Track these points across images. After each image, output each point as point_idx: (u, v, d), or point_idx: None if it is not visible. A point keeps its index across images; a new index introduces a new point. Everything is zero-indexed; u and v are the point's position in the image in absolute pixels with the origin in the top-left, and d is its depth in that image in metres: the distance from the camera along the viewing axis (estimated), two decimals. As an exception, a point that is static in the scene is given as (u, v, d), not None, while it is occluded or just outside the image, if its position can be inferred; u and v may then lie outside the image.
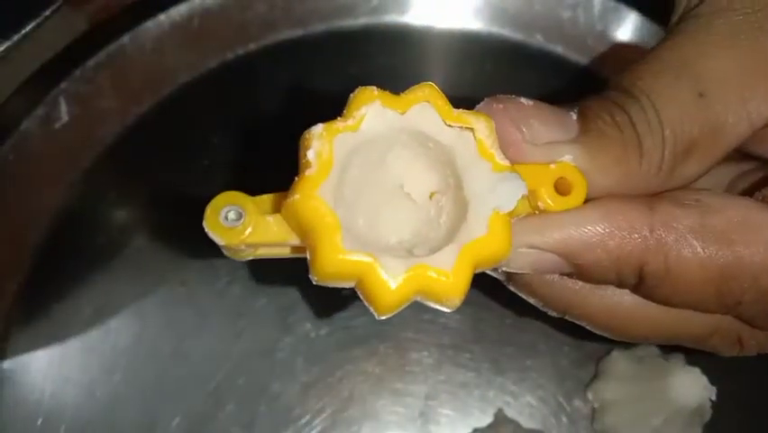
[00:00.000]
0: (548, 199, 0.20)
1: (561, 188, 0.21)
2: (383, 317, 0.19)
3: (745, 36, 0.21)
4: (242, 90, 0.39)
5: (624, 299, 0.23)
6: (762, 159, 0.24)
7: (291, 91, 0.39)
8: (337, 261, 0.18)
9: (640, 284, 0.21)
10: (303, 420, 0.34)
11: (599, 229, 0.20)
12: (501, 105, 0.21)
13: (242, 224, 0.19)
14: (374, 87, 0.19)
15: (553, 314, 0.24)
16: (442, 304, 0.19)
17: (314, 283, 0.19)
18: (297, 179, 0.19)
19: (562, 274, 0.22)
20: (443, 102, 0.20)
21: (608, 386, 0.35)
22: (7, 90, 0.36)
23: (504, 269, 0.22)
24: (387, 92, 0.20)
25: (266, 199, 0.20)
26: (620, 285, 0.22)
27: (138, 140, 0.38)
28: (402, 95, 0.20)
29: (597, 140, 0.21)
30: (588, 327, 0.24)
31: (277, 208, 0.19)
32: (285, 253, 0.20)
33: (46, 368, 0.35)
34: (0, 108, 0.36)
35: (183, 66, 0.39)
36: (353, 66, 0.39)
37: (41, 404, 0.34)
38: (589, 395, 0.35)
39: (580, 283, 0.23)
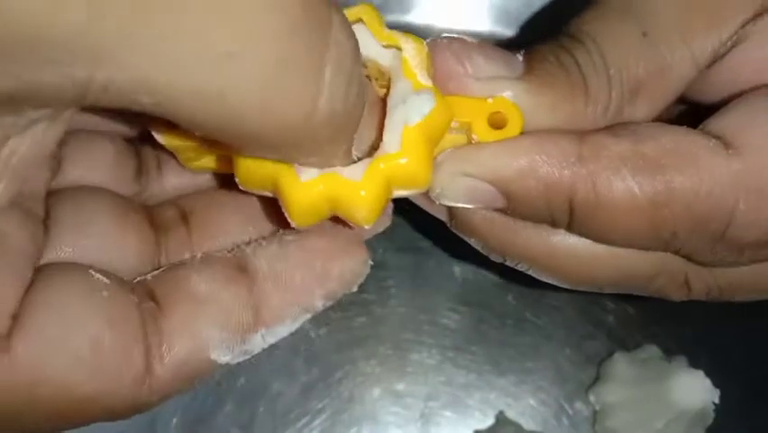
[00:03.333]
0: (482, 131, 0.21)
1: (497, 122, 0.21)
2: (300, 226, 0.20)
3: None
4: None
5: (565, 240, 0.22)
6: (707, 105, 0.24)
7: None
8: (255, 160, 0.18)
9: (572, 218, 0.21)
10: (302, 421, 0.34)
11: (530, 157, 0.20)
12: (445, 41, 0.21)
13: None
14: None
15: (495, 258, 0.24)
16: (353, 218, 0.19)
17: (240, 188, 0.20)
18: None
19: (497, 210, 0.22)
20: (376, 22, 0.20)
21: (610, 388, 0.34)
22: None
23: (440, 201, 0.22)
24: None
25: None
26: (554, 222, 0.22)
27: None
28: None
29: (542, 79, 0.21)
30: (530, 273, 0.24)
31: None
32: (227, 165, 0.21)
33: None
34: None
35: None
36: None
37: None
38: (591, 397, 0.35)
39: (521, 223, 0.22)
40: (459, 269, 0.36)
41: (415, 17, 0.40)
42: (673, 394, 0.33)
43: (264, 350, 0.35)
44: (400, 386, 0.35)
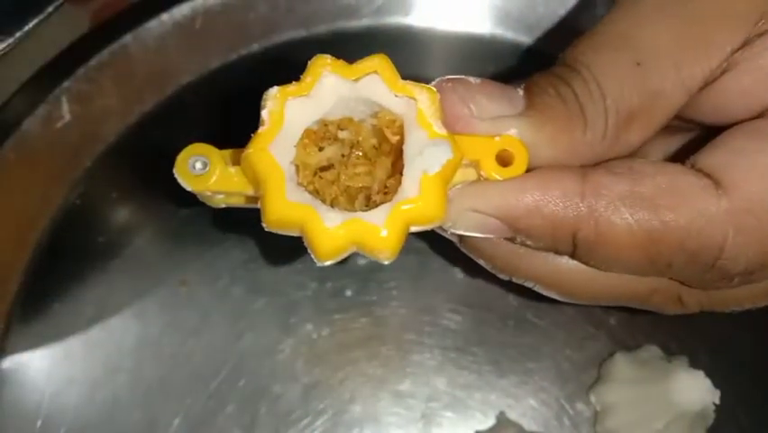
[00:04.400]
0: (490, 169, 0.22)
1: (504, 160, 0.22)
2: (324, 264, 0.21)
3: (675, 5, 0.23)
4: (244, 91, 0.39)
5: (568, 264, 0.24)
6: (698, 124, 0.25)
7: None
8: (282, 206, 0.20)
9: (575, 251, 0.23)
10: (304, 422, 0.34)
11: (535, 196, 0.22)
12: (450, 84, 0.22)
13: (208, 172, 0.21)
14: (328, 56, 0.21)
15: (502, 277, 0.26)
16: (375, 255, 0.21)
17: (265, 230, 0.21)
18: (252, 135, 0.21)
19: (506, 239, 0.23)
20: (391, 73, 0.21)
21: (611, 389, 0.35)
22: (9, 89, 0.35)
23: (452, 231, 0.23)
24: (340, 61, 0.21)
25: (231, 153, 0.22)
26: (558, 252, 0.23)
27: (140, 140, 0.38)
28: (353, 64, 0.21)
29: (542, 113, 0.22)
30: (536, 289, 0.26)
31: (239, 161, 0.21)
32: (252, 203, 0.22)
33: (46, 369, 0.35)
34: (1, 107, 0.35)
35: (185, 66, 0.39)
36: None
37: (41, 405, 0.34)
38: (592, 398, 0.35)
39: (526, 248, 0.24)
40: (460, 270, 0.36)
41: (415, 20, 0.40)
42: (674, 395, 0.33)
43: (265, 351, 0.35)
44: (402, 387, 0.35)
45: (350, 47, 0.40)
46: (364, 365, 0.35)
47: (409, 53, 0.40)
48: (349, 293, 0.36)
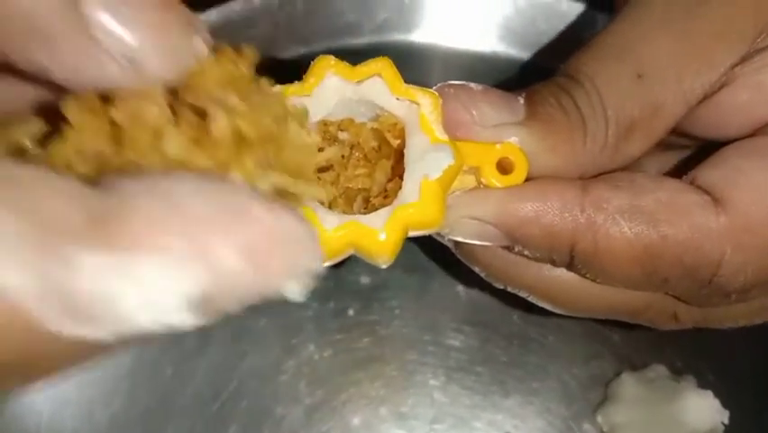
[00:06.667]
0: (490, 177, 0.22)
1: (504, 167, 0.22)
2: (321, 266, 0.21)
3: (678, 19, 0.23)
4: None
5: (562, 275, 0.24)
6: (694, 138, 0.25)
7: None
8: None
9: (572, 262, 0.23)
10: (306, 445, 0.34)
11: (534, 206, 0.22)
12: (452, 90, 0.22)
13: None
14: (332, 57, 0.21)
15: (497, 285, 0.26)
16: (372, 259, 0.21)
17: None
18: None
19: (503, 247, 0.23)
20: (394, 76, 0.21)
21: (618, 409, 0.34)
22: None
23: (450, 237, 0.23)
24: (343, 63, 0.21)
25: None
26: (554, 263, 0.23)
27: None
28: (357, 67, 0.21)
29: (543, 122, 0.22)
30: (530, 300, 0.26)
31: None
32: None
33: (44, 389, 0.34)
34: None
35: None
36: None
37: (40, 427, 0.34)
38: (599, 418, 0.34)
39: (522, 257, 0.24)
40: (463, 289, 0.36)
41: (417, 37, 0.40)
42: (683, 415, 0.33)
43: (267, 372, 0.34)
44: (405, 408, 0.34)
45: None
46: (367, 386, 0.34)
47: (411, 70, 0.40)
48: (351, 313, 0.36)
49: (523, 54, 0.40)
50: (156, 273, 0.12)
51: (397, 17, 0.40)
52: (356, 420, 0.34)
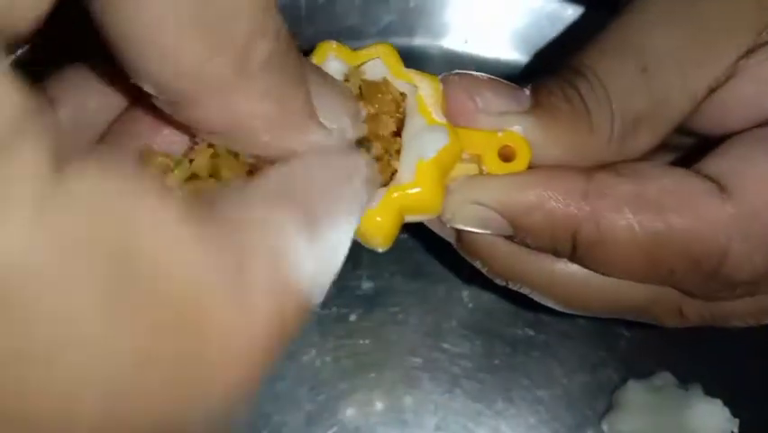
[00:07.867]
0: (491, 164, 0.22)
1: (506, 156, 0.22)
2: None
3: (682, 13, 0.23)
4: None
5: (564, 269, 0.24)
6: (698, 135, 0.25)
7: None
8: None
9: (575, 251, 0.22)
10: (307, 452, 0.33)
11: (538, 192, 0.22)
12: (457, 77, 0.22)
13: None
14: (333, 41, 0.22)
15: (499, 281, 0.25)
16: (369, 242, 0.21)
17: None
18: None
19: (505, 237, 0.23)
20: (394, 59, 0.22)
21: (624, 417, 0.34)
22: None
23: (451, 224, 0.23)
24: (345, 47, 0.22)
25: None
26: (557, 253, 0.23)
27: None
28: (358, 51, 0.22)
29: (549, 112, 0.22)
30: (532, 297, 0.25)
31: None
32: None
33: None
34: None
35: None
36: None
37: None
38: (604, 427, 0.34)
39: (524, 250, 0.24)
40: (468, 294, 0.36)
41: (420, 40, 0.40)
42: (691, 424, 0.32)
43: (267, 378, 0.34)
44: (408, 415, 0.34)
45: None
46: (369, 393, 0.34)
47: (414, 74, 0.40)
48: (353, 318, 0.35)
49: (527, 59, 0.40)
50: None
51: (401, 21, 0.40)
52: (358, 428, 0.33)
